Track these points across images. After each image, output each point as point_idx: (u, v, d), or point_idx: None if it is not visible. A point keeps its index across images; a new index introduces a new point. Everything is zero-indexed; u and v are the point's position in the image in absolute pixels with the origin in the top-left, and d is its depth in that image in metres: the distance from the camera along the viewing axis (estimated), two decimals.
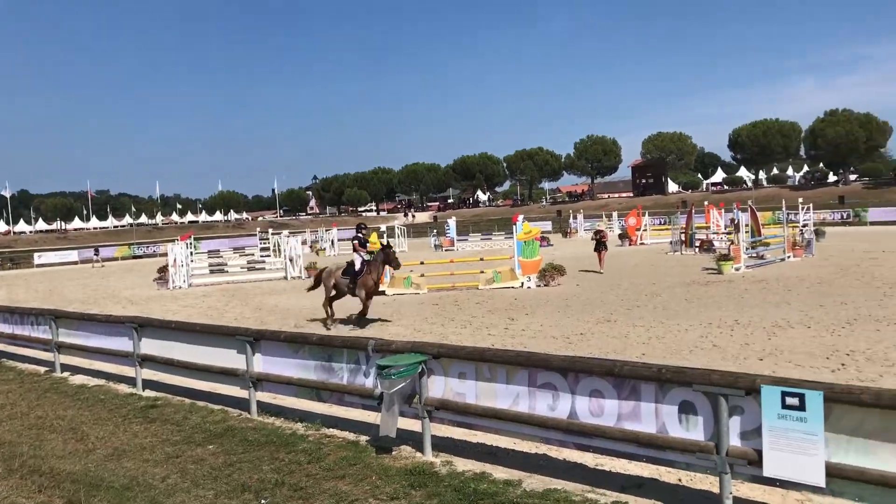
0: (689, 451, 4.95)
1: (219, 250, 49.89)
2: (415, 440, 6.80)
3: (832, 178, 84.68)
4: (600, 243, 25.25)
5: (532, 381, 5.88)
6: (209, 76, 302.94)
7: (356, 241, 16.36)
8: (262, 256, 37.44)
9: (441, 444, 6.82)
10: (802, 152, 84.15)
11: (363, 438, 7.19)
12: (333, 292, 16.17)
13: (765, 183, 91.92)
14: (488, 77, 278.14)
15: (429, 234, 55.90)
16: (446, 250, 44.36)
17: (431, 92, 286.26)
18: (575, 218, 56.34)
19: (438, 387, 6.58)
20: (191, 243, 32.14)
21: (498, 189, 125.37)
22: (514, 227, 22.43)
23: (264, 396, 8.67)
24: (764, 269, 23.24)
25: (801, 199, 31.97)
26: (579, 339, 12.74)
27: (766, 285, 18.78)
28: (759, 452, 4.61)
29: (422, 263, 23.96)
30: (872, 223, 47.43)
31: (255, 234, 51.58)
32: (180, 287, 27.83)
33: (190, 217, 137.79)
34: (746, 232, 24.84)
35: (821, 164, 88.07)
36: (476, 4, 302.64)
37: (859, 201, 57.35)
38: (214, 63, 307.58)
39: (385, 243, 16.90)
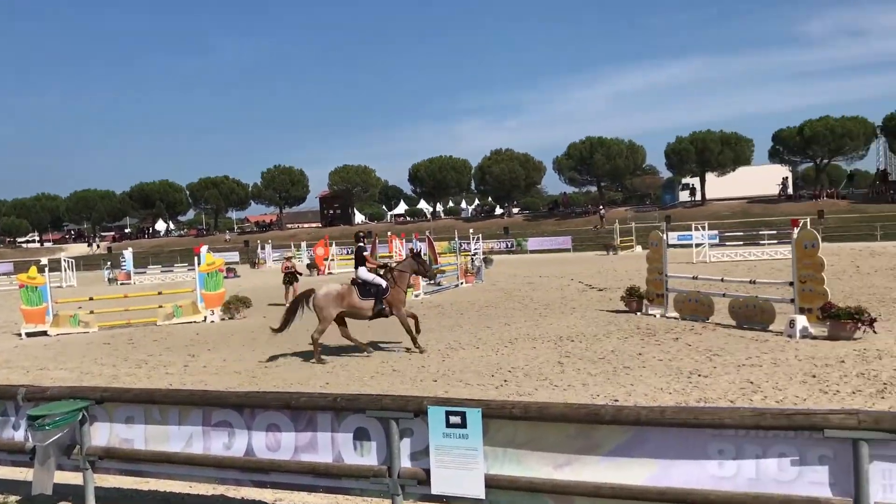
0: (364, 476, 5.06)
1: None
2: (76, 495, 6.17)
3: (499, 210, 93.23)
4: (292, 275, 24.34)
5: (207, 420, 5.64)
6: None
7: (367, 253, 14.04)
8: None
9: (108, 497, 6.26)
10: (474, 187, 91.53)
11: (13, 498, 6.37)
12: (331, 322, 13.26)
13: (442, 214, 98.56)
14: (167, 102, 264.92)
15: (102, 267, 51.51)
16: (122, 284, 41.26)
17: (103, 113, 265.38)
18: (263, 248, 55.71)
19: (103, 434, 6.04)
20: None
21: (181, 218, 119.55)
22: (196, 258, 21.53)
23: None
24: (440, 294, 24.82)
25: (471, 230, 34.78)
26: (264, 372, 12.55)
27: (441, 310, 20.06)
28: (428, 471, 4.87)
29: (91, 299, 21.99)
30: (532, 251, 53.02)
31: None
32: None
33: None
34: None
35: (489, 198, 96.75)
36: (146, 29, 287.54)
37: (521, 232, 63.76)
38: None
39: (415, 250, 15.11)
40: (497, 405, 4.77)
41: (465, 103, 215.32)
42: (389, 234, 40.87)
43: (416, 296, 23.60)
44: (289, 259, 25.36)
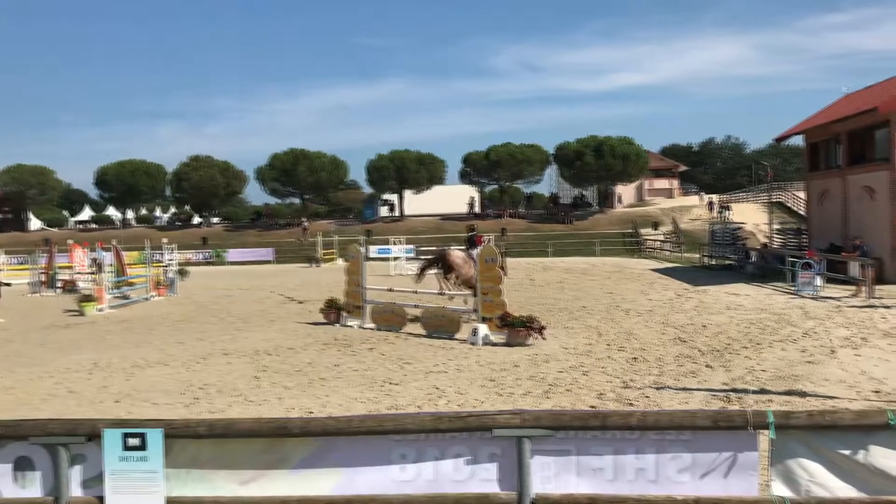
0: None
1: None
2: None
3: (197, 219, 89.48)
4: None
5: None
6: None
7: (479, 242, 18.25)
8: None
9: None
10: (169, 194, 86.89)
11: None
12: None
13: (134, 222, 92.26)
14: None
15: None
16: None
17: None
18: None
19: None
20: None
21: None
22: None
23: None
24: (128, 309, 23.16)
25: (165, 240, 32.96)
26: None
27: (128, 325, 18.72)
28: (102, 499, 4.52)
29: None
30: (231, 263, 51.63)
31: None
32: None
33: None
34: (111, 272, 24.51)
35: (186, 207, 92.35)
36: None
37: (220, 242, 61.67)
38: None
39: (487, 240, 20.87)
40: (181, 424, 4.57)
41: (161, 105, 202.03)
42: (71, 242, 37.36)
43: (100, 310, 21.77)
44: None
